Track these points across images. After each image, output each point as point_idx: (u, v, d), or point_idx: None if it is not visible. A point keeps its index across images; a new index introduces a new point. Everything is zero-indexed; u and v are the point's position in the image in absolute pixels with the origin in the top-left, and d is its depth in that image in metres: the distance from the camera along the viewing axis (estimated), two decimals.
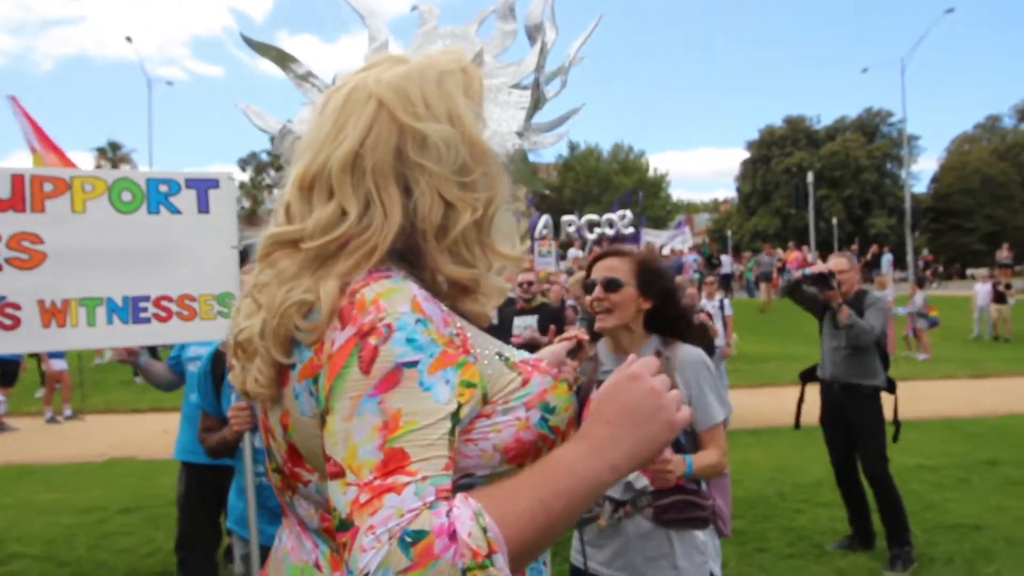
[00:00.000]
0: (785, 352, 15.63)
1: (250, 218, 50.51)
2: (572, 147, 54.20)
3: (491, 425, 0.99)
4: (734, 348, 14.84)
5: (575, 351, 1.98)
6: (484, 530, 0.81)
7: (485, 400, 0.99)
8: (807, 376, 5.43)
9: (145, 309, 3.05)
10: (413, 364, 0.88)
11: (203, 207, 3.17)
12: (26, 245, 2.89)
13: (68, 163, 5.74)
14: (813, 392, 5.36)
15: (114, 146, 48.83)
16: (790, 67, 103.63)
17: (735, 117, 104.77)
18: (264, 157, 53.79)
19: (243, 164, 54.02)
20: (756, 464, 7.58)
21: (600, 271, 2.58)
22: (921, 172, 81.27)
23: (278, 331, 0.99)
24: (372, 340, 0.88)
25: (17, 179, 2.89)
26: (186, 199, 3.15)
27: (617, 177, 49.24)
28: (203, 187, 3.18)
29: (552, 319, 7.19)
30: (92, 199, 3.01)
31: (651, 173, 53.22)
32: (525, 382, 1.04)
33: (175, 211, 3.14)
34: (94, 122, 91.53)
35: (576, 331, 2.09)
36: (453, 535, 0.78)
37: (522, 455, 1.01)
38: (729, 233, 46.65)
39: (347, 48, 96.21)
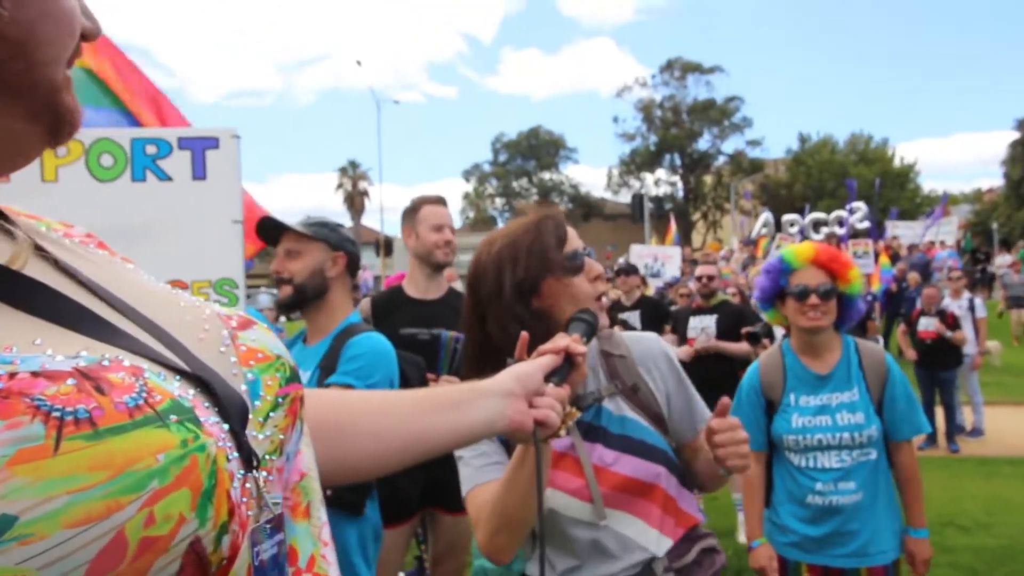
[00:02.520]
0: None
1: (474, 226, 52.55)
2: (803, 139, 50.02)
3: None
4: (996, 357, 12.22)
5: (561, 371, 1.24)
6: None
7: None
8: None
9: None
10: None
11: (199, 172, 2.54)
12: None
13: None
14: None
15: (353, 165, 53.13)
16: None
17: (997, 95, 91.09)
18: (487, 168, 55.70)
19: (467, 175, 56.31)
20: (1015, 503, 5.86)
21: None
22: None
23: None
24: None
25: None
26: (178, 163, 2.53)
27: (855, 168, 44.51)
28: (199, 147, 2.54)
29: (736, 319, 5.93)
30: (65, 165, 2.49)
31: (897, 163, 47.64)
32: None
33: (164, 177, 2.53)
34: (340, 145, 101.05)
35: (565, 339, 1.28)
36: None
37: None
38: (995, 225, 40.30)
39: (568, 58, 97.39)
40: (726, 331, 5.85)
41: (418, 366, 3.00)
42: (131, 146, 2.52)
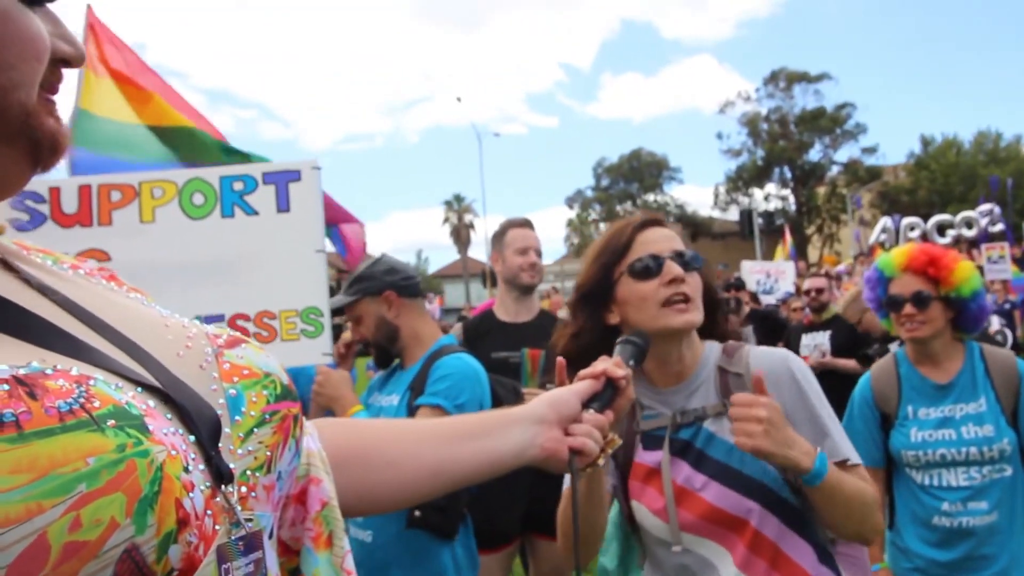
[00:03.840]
0: None
1: (578, 253, 52.53)
2: (925, 142, 47.27)
3: None
4: None
5: (603, 396, 1.19)
6: None
7: None
8: None
9: None
10: None
11: (283, 205, 2.62)
12: None
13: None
14: None
15: (459, 199, 54.46)
16: None
17: None
18: (589, 193, 55.69)
19: (570, 202, 56.44)
20: None
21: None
22: None
23: None
24: None
25: (84, 190, 2.60)
26: (264, 197, 2.62)
27: (985, 169, 41.57)
28: (283, 181, 2.62)
29: (850, 334, 5.58)
30: (161, 206, 2.62)
31: None
32: None
33: (251, 212, 2.62)
34: (446, 180, 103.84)
35: (605, 362, 1.23)
36: None
37: None
38: None
39: (668, 78, 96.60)
40: (840, 347, 5.52)
41: (513, 390, 2.96)
42: (220, 184, 2.63)
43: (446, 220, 54.88)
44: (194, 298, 2.57)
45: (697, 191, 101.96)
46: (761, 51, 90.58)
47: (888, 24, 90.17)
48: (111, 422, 0.50)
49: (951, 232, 20.51)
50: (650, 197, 54.24)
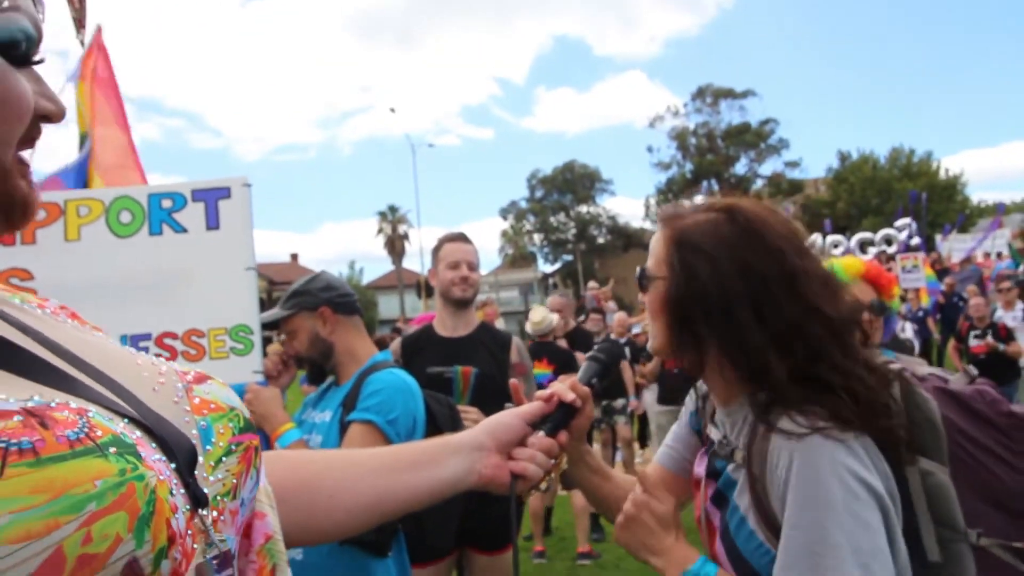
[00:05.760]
0: None
1: (513, 263, 52.78)
2: (843, 157, 49.34)
3: None
4: None
5: (554, 418, 1.17)
6: None
7: None
8: None
9: (146, 350, 2.51)
10: None
11: (212, 223, 2.60)
12: (14, 283, 2.50)
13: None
14: None
15: (393, 209, 54.00)
16: None
17: None
18: (523, 205, 56.08)
19: (504, 213, 56.71)
20: None
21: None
22: None
23: None
24: None
25: None
26: (193, 214, 2.59)
27: (899, 183, 43.69)
28: (212, 198, 2.60)
29: None
30: (87, 224, 2.57)
31: (942, 176, 46.61)
32: None
33: (180, 230, 2.59)
34: (381, 191, 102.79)
35: (558, 385, 1.21)
36: None
37: None
38: None
39: (600, 94, 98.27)
40: None
41: (448, 405, 2.98)
42: (148, 201, 2.59)
43: (380, 231, 54.38)
44: (121, 317, 2.53)
45: (629, 203, 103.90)
46: (689, 68, 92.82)
47: (809, 44, 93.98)
48: (112, 449, 0.56)
49: (872, 249, 21.49)
50: (583, 209, 54.98)
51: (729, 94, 51.30)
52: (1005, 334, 7.98)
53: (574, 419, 1.20)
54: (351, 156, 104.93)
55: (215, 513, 0.67)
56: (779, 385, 1.20)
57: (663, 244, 1.35)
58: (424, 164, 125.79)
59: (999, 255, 20.62)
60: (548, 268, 54.98)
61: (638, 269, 1.42)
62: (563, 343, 6.82)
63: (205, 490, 0.67)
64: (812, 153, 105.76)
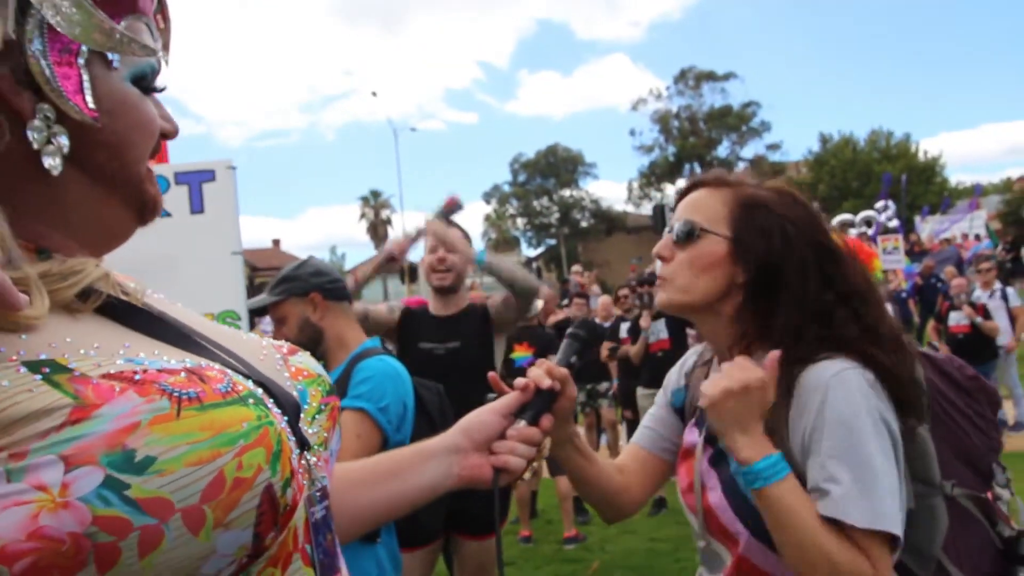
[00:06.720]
0: None
1: (496, 247, 52.74)
2: (824, 140, 49.59)
3: None
4: None
5: (533, 405, 1.16)
6: None
7: None
8: None
9: None
10: None
11: (197, 206, 2.57)
12: None
13: None
14: None
15: (375, 194, 53.75)
16: None
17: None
18: (506, 189, 55.94)
19: (487, 197, 56.56)
20: None
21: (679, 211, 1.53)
22: None
23: None
24: None
25: None
26: (176, 198, 2.57)
27: (879, 166, 44.02)
28: (196, 181, 2.57)
29: None
30: None
31: (921, 158, 47.02)
32: (80, 416, 0.60)
33: (163, 214, 2.55)
34: (364, 176, 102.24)
35: (536, 371, 1.19)
36: None
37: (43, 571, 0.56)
38: None
39: (584, 77, 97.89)
40: None
41: (437, 392, 2.98)
42: None
43: (363, 216, 54.11)
44: None
45: (612, 186, 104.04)
46: (672, 51, 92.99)
47: (790, 28, 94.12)
48: (251, 400, 0.70)
49: (852, 231, 21.66)
50: (566, 192, 54.92)
51: (711, 77, 51.30)
52: (983, 313, 8.09)
53: (556, 402, 1.19)
54: (334, 141, 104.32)
55: (314, 459, 0.82)
56: (841, 340, 1.35)
57: (724, 203, 1.44)
58: (408, 149, 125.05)
59: (977, 237, 20.87)
60: (531, 252, 54.96)
61: (677, 223, 1.47)
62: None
63: (308, 440, 0.82)
64: (793, 136, 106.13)
